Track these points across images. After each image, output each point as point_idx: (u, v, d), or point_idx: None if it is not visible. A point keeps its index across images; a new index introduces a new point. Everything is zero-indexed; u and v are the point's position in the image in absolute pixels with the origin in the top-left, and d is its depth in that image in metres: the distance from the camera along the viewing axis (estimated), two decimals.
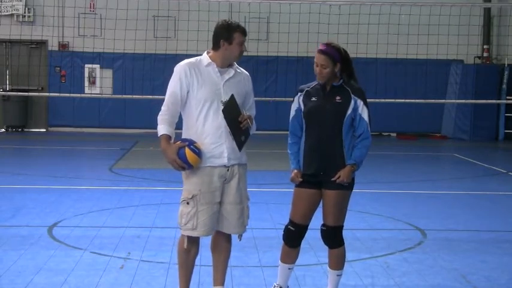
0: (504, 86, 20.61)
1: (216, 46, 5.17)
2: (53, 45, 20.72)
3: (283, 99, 16.73)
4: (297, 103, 5.39)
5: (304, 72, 21.17)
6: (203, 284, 6.01)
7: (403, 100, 16.80)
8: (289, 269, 5.54)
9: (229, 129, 5.08)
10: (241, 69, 5.38)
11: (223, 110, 5.06)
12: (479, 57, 21.37)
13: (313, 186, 5.32)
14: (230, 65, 5.26)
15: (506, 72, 20.64)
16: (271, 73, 21.15)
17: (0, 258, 6.75)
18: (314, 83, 5.39)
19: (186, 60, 5.23)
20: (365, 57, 20.48)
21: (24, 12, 20.51)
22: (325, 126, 5.27)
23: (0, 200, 9.87)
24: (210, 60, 5.18)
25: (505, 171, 14.28)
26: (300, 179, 5.32)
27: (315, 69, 5.27)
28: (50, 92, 19.69)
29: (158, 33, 19.75)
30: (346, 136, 5.29)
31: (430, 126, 21.44)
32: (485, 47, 21.28)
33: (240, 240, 5.38)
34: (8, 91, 20.31)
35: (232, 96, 5.09)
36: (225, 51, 5.16)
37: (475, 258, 7.16)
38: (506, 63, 20.91)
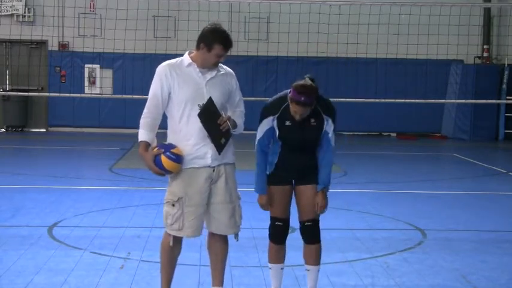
0: (504, 86, 20.61)
1: (197, 46, 5.11)
2: (53, 45, 20.72)
3: None
4: (269, 125, 5.29)
5: (304, 72, 21.14)
6: (203, 284, 6.01)
7: (403, 100, 16.80)
8: (281, 269, 5.58)
9: (207, 134, 5.04)
10: (225, 67, 5.28)
11: (199, 115, 5.00)
12: (479, 57, 21.37)
13: (285, 183, 5.41)
14: None
15: (506, 72, 20.63)
16: (271, 73, 21.16)
17: (0, 258, 6.75)
18: (283, 101, 5.26)
19: (167, 62, 5.19)
20: (365, 57, 20.52)
21: (24, 12, 20.51)
22: (301, 146, 5.33)
23: (0, 200, 9.87)
24: (191, 61, 5.12)
25: (505, 171, 14.28)
26: (269, 208, 5.40)
27: (294, 114, 5.18)
28: (50, 92, 19.69)
29: (158, 33, 19.76)
30: (319, 148, 5.38)
31: (430, 126, 21.44)
32: (485, 47, 21.28)
33: (237, 240, 5.36)
34: (8, 91, 20.31)
35: (209, 99, 5.03)
36: (203, 55, 5.08)
37: (475, 258, 7.16)
38: (506, 63, 20.90)
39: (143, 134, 5.11)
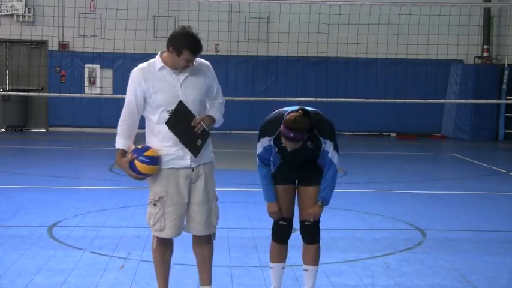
0: (504, 86, 20.61)
1: (167, 48, 5.09)
2: (53, 45, 20.72)
3: (283, 99, 16.72)
4: (267, 143, 5.28)
5: (304, 72, 21.20)
6: None
7: (403, 100, 16.78)
8: (282, 268, 5.60)
9: (179, 139, 5.01)
10: (199, 60, 5.20)
11: (166, 123, 4.98)
12: (479, 57, 21.37)
13: (288, 182, 5.43)
14: None
15: (506, 72, 20.63)
16: (271, 73, 21.15)
17: (0, 258, 6.75)
18: (279, 124, 5.20)
19: (140, 66, 5.16)
20: (365, 57, 20.52)
21: (24, 12, 20.51)
22: (300, 163, 5.36)
23: (0, 200, 9.87)
24: (163, 64, 5.09)
25: (505, 171, 14.28)
26: (280, 215, 5.39)
27: (287, 146, 5.16)
28: (50, 92, 19.68)
29: (158, 33, 19.72)
30: (323, 165, 5.38)
31: (430, 126, 21.44)
32: (485, 47, 21.27)
33: (214, 239, 5.35)
34: (8, 91, 20.31)
35: (179, 103, 4.98)
36: (173, 58, 5.05)
37: (475, 258, 7.16)
38: (506, 63, 20.90)
39: (119, 141, 5.15)
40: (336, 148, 5.29)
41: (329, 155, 5.27)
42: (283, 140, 5.16)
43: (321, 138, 5.23)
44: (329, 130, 5.28)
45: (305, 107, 5.22)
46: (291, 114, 5.12)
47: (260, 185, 5.41)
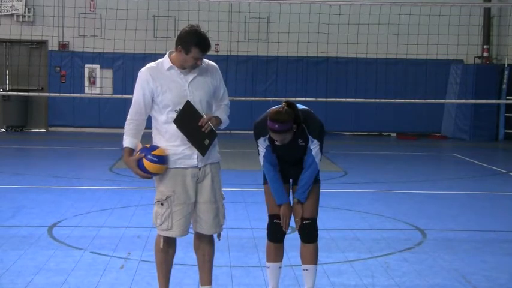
0: (504, 86, 20.60)
1: (176, 48, 5.09)
2: (53, 45, 20.72)
3: (283, 99, 16.72)
4: (264, 143, 5.32)
5: (304, 72, 21.20)
6: None
7: (403, 100, 16.80)
8: (279, 267, 5.60)
9: (186, 138, 5.03)
10: (207, 61, 5.24)
11: (174, 121, 5.00)
12: (479, 57, 21.37)
13: (283, 180, 5.44)
14: None
15: (506, 72, 20.62)
16: (271, 73, 21.14)
17: (0, 258, 6.75)
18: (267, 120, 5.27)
19: (148, 66, 5.18)
20: (365, 57, 20.52)
21: (24, 12, 20.50)
22: (294, 161, 5.37)
23: (0, 200, 9.88)
24: (171, 64, 5.10)
25: (505, 171, 14.28)
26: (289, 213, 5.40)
27: (276, 140, 5.20)
28: (50, 92, 19.69)
29: (158, 33, 19.75)
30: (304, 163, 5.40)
31: (430, 126, 21.43)
32: (485, 47, 21.26)
33: (219, 239, 5.36)
34: (8, 91, 20.31)
35: (186, 103, 5.00)
36: (181, 57, 5.05)
37: (475, 258, 7.17)
38: (506, 63, 20.89)
39: (126, 140, 5.13)
40: (321, 148, 5.31)
41: (313, 153, 5.28)
42: (271, 134, 5.18)
43: (309, 136, 5.25)
44: (318, 129, 5.30)
45: (292, 102, 5.26)
46: (274, 108, 5.19)
47: (269, 187, 5.38)
